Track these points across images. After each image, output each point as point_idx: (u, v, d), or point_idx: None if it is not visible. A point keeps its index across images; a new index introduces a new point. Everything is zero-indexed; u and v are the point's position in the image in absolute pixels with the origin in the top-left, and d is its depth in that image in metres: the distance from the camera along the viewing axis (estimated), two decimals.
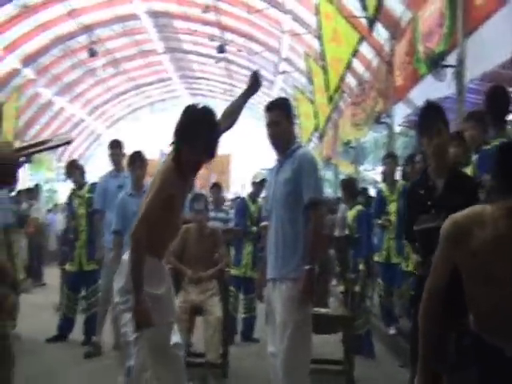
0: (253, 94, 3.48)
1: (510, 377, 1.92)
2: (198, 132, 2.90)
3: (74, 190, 6.61)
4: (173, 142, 2.98)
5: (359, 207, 6.44)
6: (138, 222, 2.88)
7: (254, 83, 3.44)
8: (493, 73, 7.26)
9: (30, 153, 1.94)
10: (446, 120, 3.39)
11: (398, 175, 7.12)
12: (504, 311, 1.87)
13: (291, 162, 3.43)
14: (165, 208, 2.88)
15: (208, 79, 27.04)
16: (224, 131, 3.30)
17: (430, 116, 3.36)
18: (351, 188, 6.67)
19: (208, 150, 2.96)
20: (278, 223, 3.43)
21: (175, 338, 3.15)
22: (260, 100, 19.27)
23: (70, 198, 6.64)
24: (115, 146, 6.36)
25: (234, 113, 3.38)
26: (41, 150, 1.98)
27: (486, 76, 7.34)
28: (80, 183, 6.58)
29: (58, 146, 2.06)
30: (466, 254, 1.91)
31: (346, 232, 6.53)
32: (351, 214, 6.41)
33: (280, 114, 3.50)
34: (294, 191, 3.38)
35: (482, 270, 1.88)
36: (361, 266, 6.21)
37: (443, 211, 3.07)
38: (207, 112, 2.98)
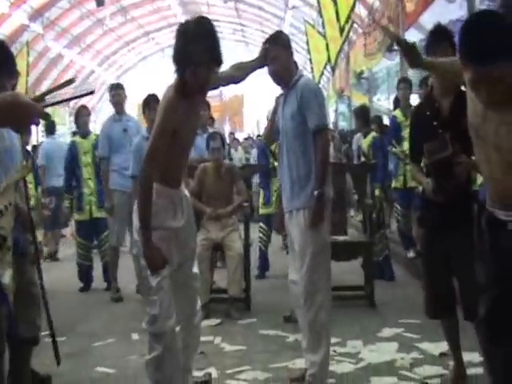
0: (260, 68, 3.50)
1: None
2: (196, 47, 2.79)
3: (74, 136, 6.55)
4: (175, 71, 2.90)
5: (374, 134, 6.46)
6: (144, 160, 2.86)
7: (263, 59, 3.46)
8: None
9: (52, 103, 1.89)
10: (453, 42, 3.33)
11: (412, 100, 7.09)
12: None
13: (294, 93, 3.46)
14: (171, 137, 2.83)
15: (218, 20, 26.58)
16: (231, 83, 3.33)
17: (436, 37, 3.33)
18: (365, 116, 6.66)
19: (214, 59, 2.86)
20: (290, 155, 3.48)
21: (195, 268, 3.25)
22: None
23: (73, 145, 6.59)
24: (116, 87, 6.31)
25: (242, 70, 3.40)
26: (63, 101, 1.94)
27: None
28: (85, 131, 6.57)
29: (81, 96, 2.00)
30: None
31: (362, 159, 6.57)
32: (366, 142, 6.44)
33: (277, 49, 3.48)
34: (302, 122, 3.42)
35: None
36: (377, 192, 6.29)
37: (449, 132, 3.11)
38: (198, 23, 2.87)
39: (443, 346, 3.77)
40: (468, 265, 2.93)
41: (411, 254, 6.61)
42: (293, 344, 4.25)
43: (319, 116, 3.42)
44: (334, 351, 4.00)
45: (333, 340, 4.08)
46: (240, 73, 3.40)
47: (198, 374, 3.53)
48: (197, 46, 2.79)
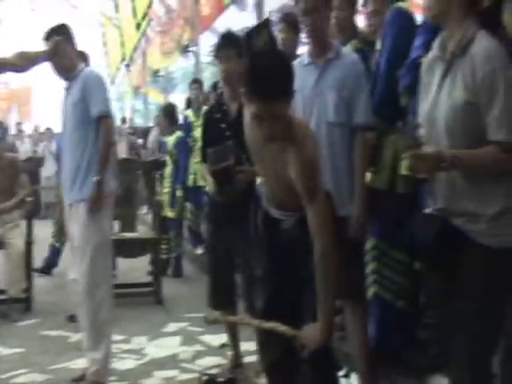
0: (46, 61, 3.39)
1: None
2: None
3: None
4: None
5: (179, 133, 6.51)
6: None
7: (50, 52, 3.37)
8: (291, 6, 7.61)
9: None
10: (239, 48, 3.47)
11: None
12: None
13: (77, 84, 3.41)
14: None
15: None
16: (12, 71, 3.17)
17: (222, 43, 3.48)
18: (172, 114, 6.70)
19: None
20: (72, 146, 3.41)
21: None
22: None
23: None
24: None
25: (25, 60, 3.28)
26: None
27: (284, 8, 7.66)
28: None
29: None
30: None
31: (166, 158, 6.58)
32: (171, 140, 6.46)
33: (59, 41, 3.40)
34: (84, 111, 3.38)
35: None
36: (178, 193, 6.38)
37: (235, 135, 3.26)
38: None
39: (224, 338, 3.94)
40: (247, 259, 3.12)
41: (199, 251, 6.79)
42: (76, 344, 4.12)
43: (102, 104, 3.41)
44: (119, 348, 3.99)
45: (118, 337, 4.06)
46: (23, 62, 3.24)
47: None
48: None
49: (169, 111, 6.77)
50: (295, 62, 2.90)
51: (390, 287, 2.98)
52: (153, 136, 7.71)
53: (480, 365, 2.00)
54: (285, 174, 2.18)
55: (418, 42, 2.77)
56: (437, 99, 2.02)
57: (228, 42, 3.46)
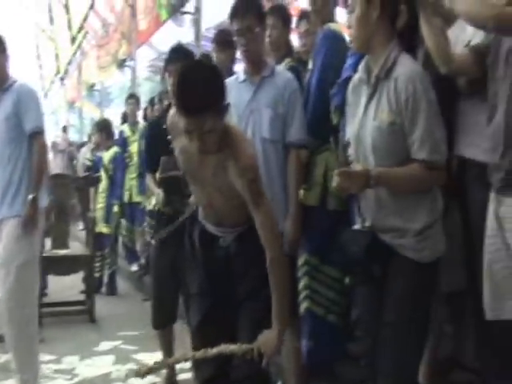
0: None
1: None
2: None
3: None
4: None
5: (116, 149, 6.43)
6: None
7: None
8: (227, 24, 7.69)
9: None
10: (176, 60, 3.47)
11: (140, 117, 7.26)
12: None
13: (10, 97, 3.33)
14: None
15: None
16: None
17: (172, 56, 3.45)
18: (107, 129, 6.61)
19: None
20: (3, 160, 3.33)
21: None
22: None
23: None
24: None
25: None
26: None
27: (220, 26, 7.72)
28: None
29: None
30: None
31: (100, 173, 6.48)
32: (108, 156, 6.37)
33: None
34: (17, 126, 3.32)
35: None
36: (115, 208, 6.28)
37: None
38: None
39: (158, 356, 3.89)
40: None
41: (135, 268, 6.71)
42: (3, 364, 3.98)
43: (36, 120, 3.36)
44: (49, 369, 3.89)
45: (48, 357, 3.97)
46: None
47: None
48: None
49: (104, 126, 6.69)
50: (231, 79, 2.96)
51: (321, 302, 3.03)
52: (84, 152, 7.59)
53: (406, 376, 2.06)
54: (228, 185, 2.17)
55: (349, 62, 2.85)
56: (363, 120, 2.09)
57: (178, 55, 3.43)
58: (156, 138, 3.53)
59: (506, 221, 1.92)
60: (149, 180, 3.61)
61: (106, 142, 6.51)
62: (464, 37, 2.28)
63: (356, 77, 2.19)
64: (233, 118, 2.74)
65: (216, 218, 2.34)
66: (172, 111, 2.27)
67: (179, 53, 3.47)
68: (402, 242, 2.04)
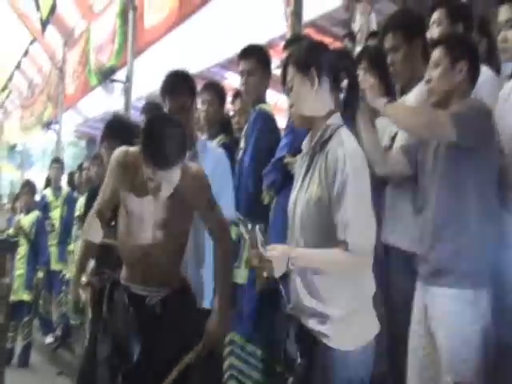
0: None
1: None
2: None
3: None
4: None
5: (37, 213, 6.22)
6: None
7: None
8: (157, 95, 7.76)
9: None
10: (114, 135, 3.11)
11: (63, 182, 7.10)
12: None
13: None
14: None
15: None
16: None
17: (106, 133, 3.20)
18: (34, 191, 6.42)
19: None
20: None
21: None
22: None
23: None
24: None
25: None
26: None
27: (151, 96, 7.79)
28: None
29: None
30: None
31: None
32: (28, 220, 6.14)
33: None
34: None
35: None
36: (39, 274, 6.02)
37: None
38: None
39: None
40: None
41: (50, 340, 6.38)
42: None
43: None
44: None
45: None
46: None
47: None
48: None
49: (32, 188, 6.49)
50: None
51: (246, 383, 2.98)
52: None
53: None
54: (180, 213, 2.30)
55: (283, 142, 2.93)
56: (299, 193, 1.98)
57: (111, 133, 3.17)
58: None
59: (430, 309, 1.97)
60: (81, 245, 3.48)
61: (26, 205, 6.30)
62: (391, 128, 2.42)
63: (303, 150, 2.08)
64: None
65: (143, 276, 2.33)
66: (123, 149, 2.31)
67: (116, 129, 3.15)
68: (323, 330, 1.87)
